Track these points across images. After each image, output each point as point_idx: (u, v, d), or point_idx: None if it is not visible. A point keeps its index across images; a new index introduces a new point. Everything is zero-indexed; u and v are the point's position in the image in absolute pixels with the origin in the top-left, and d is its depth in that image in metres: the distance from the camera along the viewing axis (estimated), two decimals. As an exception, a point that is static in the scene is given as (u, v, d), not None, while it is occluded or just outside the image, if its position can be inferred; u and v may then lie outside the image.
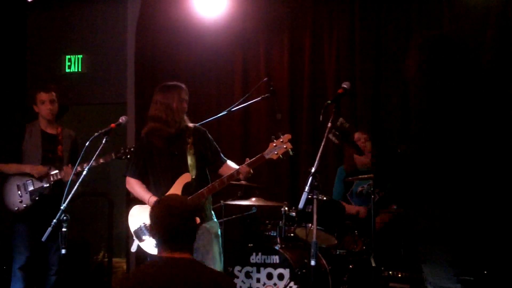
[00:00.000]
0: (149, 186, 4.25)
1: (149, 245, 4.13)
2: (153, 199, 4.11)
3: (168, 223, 2.85)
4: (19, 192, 4.85)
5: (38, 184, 4.84)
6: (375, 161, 3.24)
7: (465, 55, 3.21)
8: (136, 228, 4.21)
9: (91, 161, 4.03)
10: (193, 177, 4.14)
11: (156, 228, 2.89)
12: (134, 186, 4.27)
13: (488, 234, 3.10)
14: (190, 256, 2.88)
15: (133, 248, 4.23)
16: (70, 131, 5.19)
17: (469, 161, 3.05)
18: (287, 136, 4.03)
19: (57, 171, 4.84)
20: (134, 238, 4.21)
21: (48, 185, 4.83)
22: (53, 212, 4.58)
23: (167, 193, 4.11)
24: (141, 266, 2.98)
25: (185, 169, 4.14)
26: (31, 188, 4.85)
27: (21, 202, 4.84)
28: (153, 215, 2.94)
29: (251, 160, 4.06)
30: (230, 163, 4.28)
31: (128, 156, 4.57)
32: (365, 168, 5.14)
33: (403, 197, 3.39)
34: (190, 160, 4.17)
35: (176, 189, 4.10)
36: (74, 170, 4.29)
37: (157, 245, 2.92)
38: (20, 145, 4.96)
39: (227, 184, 4.10)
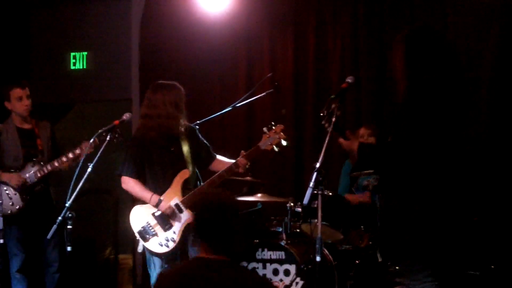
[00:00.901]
0: (146, 184, 4.23)
1: (155, 244, 4.12)
2: (155, 197, 4.10)
3: (213, 220, 2.63)
4: (8, 194, 4.65)
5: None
6: (360, 148, 3.22)
7: (448, 46, 3.23)
8: (139, 228, 4.17)
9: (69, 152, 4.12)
10: (190, 173, 4.16)
11: (197, 225, 2.70)
12: (133, 186, 4.22)
13: (455, 231, 3.11)
14: (229, 259, 2.67)
15: (139, 249, 4.22)
16: (45, 122, 4.98)
17: (441, 157, 3.05)
18: (280, 127, 4.05)
19: (39, 164, 4.68)
20: (139, 238, 4.18)
21: (36, 180, 4.66)
22: (44, 209, 4.60)
23: (168, 190, 4.11)
24: (180, 265, 2.88)
25: (183, 166, 4.15)
26: (19, 189, 4.67)
27: (12, 204, 4.65)
28: (196, 212, 2.74)
29: (247, 152, 4.08)
30: (220, 157, 4.31)
31: (112, 139, 4.00)
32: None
33: (384, 187, 3.37)
34: (186, 156, 4.18)
35: (176, 185, 4.11)
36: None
37: (198, 245, 2.80)
38: None
39: (225, 177, 4.12)
